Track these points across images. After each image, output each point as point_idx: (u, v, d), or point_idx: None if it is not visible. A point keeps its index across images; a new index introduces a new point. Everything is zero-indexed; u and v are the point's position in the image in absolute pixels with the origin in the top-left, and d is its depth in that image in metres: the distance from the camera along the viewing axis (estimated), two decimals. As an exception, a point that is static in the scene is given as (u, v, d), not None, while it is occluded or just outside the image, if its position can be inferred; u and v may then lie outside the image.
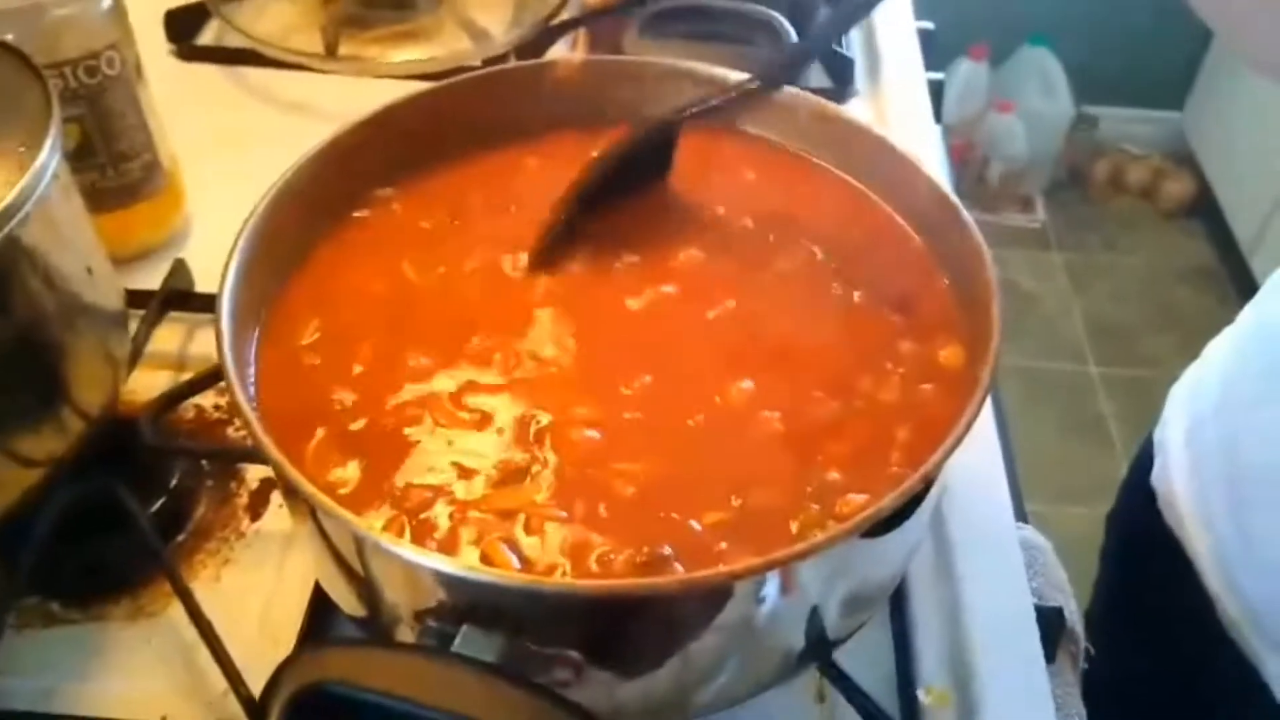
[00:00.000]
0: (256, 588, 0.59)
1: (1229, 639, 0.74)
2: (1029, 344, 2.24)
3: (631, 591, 0.37)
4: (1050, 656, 0.61)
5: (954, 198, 0.50)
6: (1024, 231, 2.53)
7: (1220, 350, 0.81)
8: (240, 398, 0.42)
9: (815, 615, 0.44)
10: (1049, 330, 2.30)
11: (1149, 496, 0.81)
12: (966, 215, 0.49)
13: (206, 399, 0.66)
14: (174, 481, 0.62)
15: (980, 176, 2.53)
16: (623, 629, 0.40)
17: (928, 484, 0.40)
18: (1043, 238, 2.52)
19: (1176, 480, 0.79)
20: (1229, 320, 0.83)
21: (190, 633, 0.54)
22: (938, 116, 0.97)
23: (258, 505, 0.63)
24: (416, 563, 0.37)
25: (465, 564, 0.38)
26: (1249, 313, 0.81)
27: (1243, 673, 0.74)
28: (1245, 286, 2.27)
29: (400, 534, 0.42)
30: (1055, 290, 2.39)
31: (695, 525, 0.42)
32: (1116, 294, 2.39)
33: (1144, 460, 0.85)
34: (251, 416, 0.41)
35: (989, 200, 2.54)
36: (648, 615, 0.39)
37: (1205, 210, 2.50)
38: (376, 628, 0.46)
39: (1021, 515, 0.69)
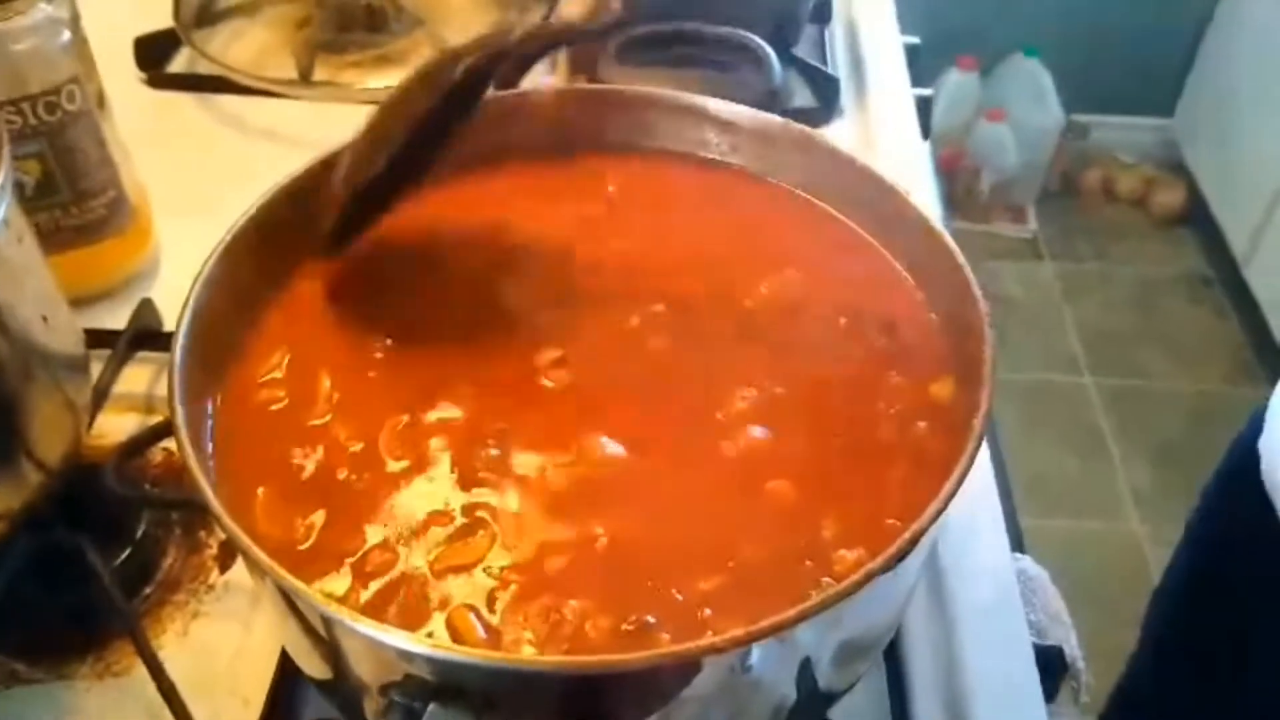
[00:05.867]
0: (225, 642, 0.57)
1: None
2: (1022, 355, 2.22)
3: (612, 668, 0.35)
4: (1050, 695, 0.59)
5: (948, 238, 0.48)
6: (1015, 242, 2.52)
7: None
8: (195, 467, 0.39)
9: (807, 674, 0.41)
10: (1042, 341, 2.28)
11: (1254, 459, 0.80)
12: (961, 257, 0.47)
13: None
14: (140, 531, 0.60)
15: (971, 187, 2.52)
16: (603, 702, 0.38)
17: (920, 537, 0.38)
18: (1034, 248, 2.51)
19: (1276, 448, 0.77)
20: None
21: (158, 692, 0.52)
22: (926, 133, 0.95)
23: (227, 556, 0.60)
24: (378, 639, 0.35)
25: (430, 642, 0.36)
26: None
27: None
28: (1239, 295, 2.26)
29: (359, 600, 0.40)
30: (1048, 301, 2.38)
31: (678, 588, 0.40)
32: (1109, 304, 2.37)
33: (1256, 423, 0.83)
34: (205, 484, 0.38)
35: (980, 211, 2.52)
36: (630, 687, 0.37)
37: (1197, 218, 2.49)
38: (342, 694, 0.44)
39: (1018, 543, 0.67)
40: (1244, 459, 0.81)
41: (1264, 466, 0.78)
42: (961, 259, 0.47)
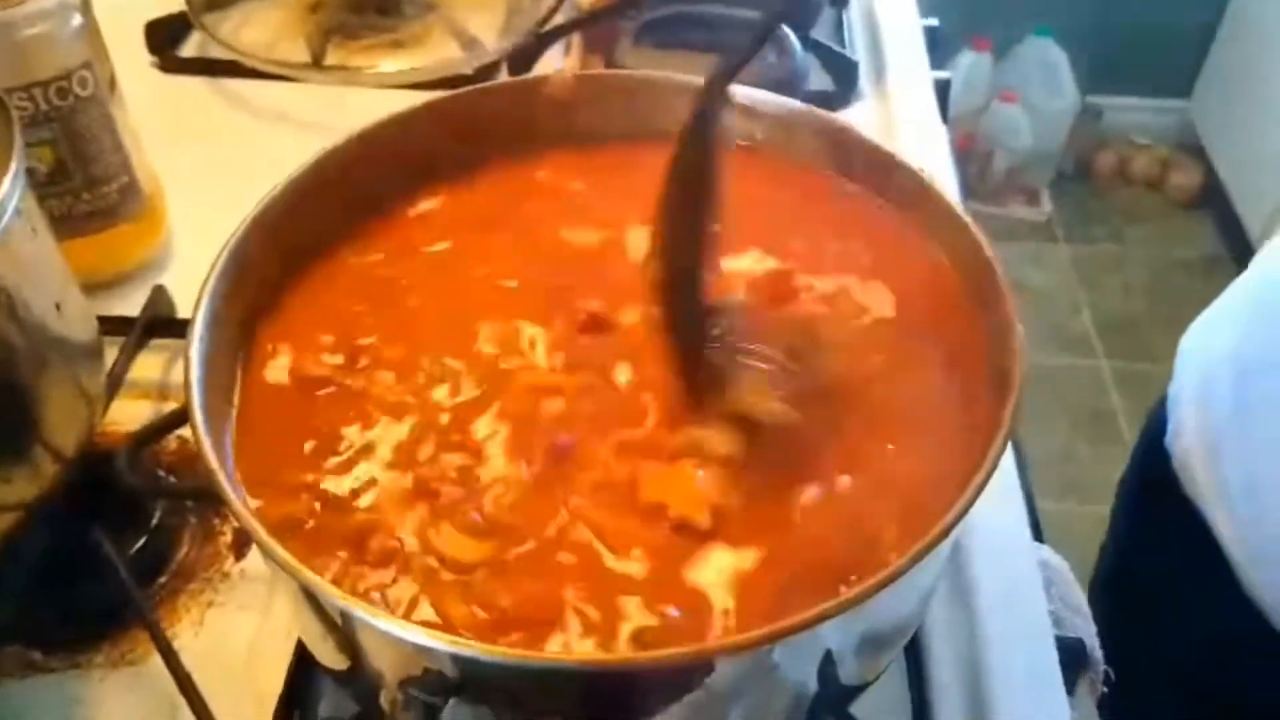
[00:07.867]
0: (241, 631, 0.56)
1: (1244, 599, 0.72)
2: (1035, 338, 2.20)
3: (635, 666, 0.35)
4: (1070, 688, 0.58)
5: (978, 231, 0.47)
6: (1030, 224, 2.50)
7: (1231, 304, 0.80)
8: (214, 465, 0.39)
9: (828, 668, 0.41)
10: (1057, 324, 2.26)
11: (1164, 456, 0.79)
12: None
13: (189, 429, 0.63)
14: (155, 519, 0.60)
15: (984, 169, 2.50)
16: (625, 698, 0.37)
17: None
18: (1049, 230, 2.49)
19: (1190, 440, 0.76)
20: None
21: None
22: (944, 116, 0.94)
23: (241, 543, 0.60)
24: (397, 635, 0.34)
25: (451, 639, 0.35)
26: (1255, 270, 0.78)
27: (1259, 630, 0.72)
28: (1255, 278, 2.23)
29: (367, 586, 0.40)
30: (1062, 284, 2.36)
31: (700, 585, 0.39)
32: (1125, 287, 2.35)
33: (1159, 418, 0.82)
34: (224, 482, 0.38)
35: (994, 193, 2.50)
36: (652, 684, 0.37)
37: (1213, 201, 2.47)
38: (359, 685, 0.44)
39: (1037, 533, 0.67)
40: (1154, 453, 0.81)
41: (1175, 464, 0.78)
42: (989, 249, 0.46)
